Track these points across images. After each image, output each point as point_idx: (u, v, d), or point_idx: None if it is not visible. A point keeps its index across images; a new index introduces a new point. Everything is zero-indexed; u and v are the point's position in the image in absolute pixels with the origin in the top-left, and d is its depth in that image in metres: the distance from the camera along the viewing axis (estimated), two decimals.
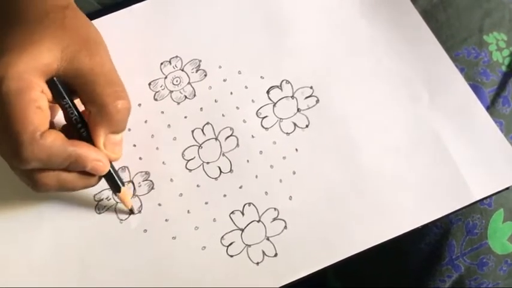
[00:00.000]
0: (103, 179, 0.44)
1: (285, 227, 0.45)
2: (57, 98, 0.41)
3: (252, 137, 0.48)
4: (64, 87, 0.41)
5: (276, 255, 0.44)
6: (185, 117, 0.49)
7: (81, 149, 0.40)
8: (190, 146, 0.48)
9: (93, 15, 0.51)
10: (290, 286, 0.44)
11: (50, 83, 0.41)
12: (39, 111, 0.39)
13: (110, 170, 0.43)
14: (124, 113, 0.42)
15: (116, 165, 0.47)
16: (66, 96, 0.41)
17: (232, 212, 0.46)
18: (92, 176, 0.42)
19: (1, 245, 0.45)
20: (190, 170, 0.47)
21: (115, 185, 0.44)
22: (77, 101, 0.43)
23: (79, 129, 0.42)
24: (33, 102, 0.39)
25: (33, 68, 0.39)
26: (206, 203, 0.46)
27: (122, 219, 0.46)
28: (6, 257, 0.45)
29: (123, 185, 0.45)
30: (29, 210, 0.46)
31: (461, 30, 0.53)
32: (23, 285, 0.44)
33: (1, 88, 0.38)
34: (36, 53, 0.39)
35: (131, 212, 0.46)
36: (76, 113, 0.42)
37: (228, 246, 0.45)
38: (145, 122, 0.49)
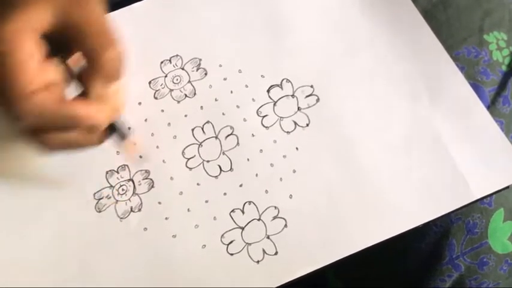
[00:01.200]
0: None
1: (285, 226, 0.45)
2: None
3: (252, 135, 0.48)
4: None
5: (276, 253, 0.44)
6: (185, 115, 0.49)
7: (75, 106, 0.40)
8: (191, 145, 0.48)
9: None
10: (290, 285, 0.44)
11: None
12: (30, 69, 0.38)
13: (113, 123, 0.42)
14: (116, 61, 0.41)
15: (116, 164, 0.47)
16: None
17: (233, 211, 0.46)
18: (94, 132, 0.42)
19: (1, 245, 0.45)
20: (190, 169, 0.47)
21: (120, 136, 0.44)
22: None
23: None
24: (25, 60, 0.38)
25: (25, 26, 0.38)
26: (206, 201, 0.46)
27: (121, 218, 0.46)
28: (6, 257, 0.45)
29: (127, 136, 0.44)
30: (29, 209, 0.46)
31: (461, 29, 0.53)
32: (23, 285, 0.44)
33: (1, 42, 0.38)
34: (27, 10, 0.39)
35: (139, 157, 0.46)
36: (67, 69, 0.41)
37: (228, 245, 0.45)
38: (146, 120, 0.49)
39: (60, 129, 0.40)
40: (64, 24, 0.40)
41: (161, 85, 0.50)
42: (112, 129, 0.43)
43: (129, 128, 0.48)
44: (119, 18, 0.52)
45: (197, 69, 0.51)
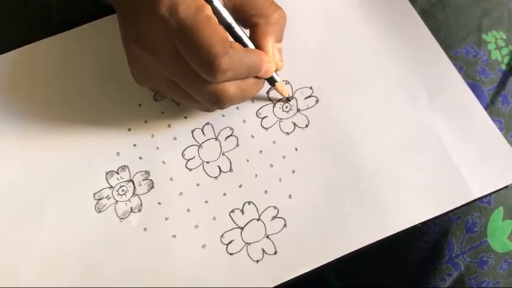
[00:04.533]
0: None
1: (285, 225, 0.45)
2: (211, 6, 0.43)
3: (252, 136, 0.48)
4: None
5: (275, 253, 0.44)
6: (185, 117, 0.49)
7: (258, 55, 0.44)
8: (190, 146, 0.48)
9: (94, 15, 0.52)
10: (290, 285, 0.44)
11: None
12: (219, 26, 0.41)
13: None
14: (284, 21, 0.46)
15: (117, 165, 0.47)
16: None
17: (232, 211, 0.46)
18: (261, 79, 0.46)
19: (1, 245, 0.45)
20: (190, 169, 0.47)
21: (272, 80, 0.47)
22: None
23: (238, 36, 0.44)
24: (212, 18, 0.41)
25: None
26: (206, 201, 0.46)
27: (121, 218, 0.46)
28: (6, 257, 0.45)
29: (277, 81, 0.48)
30: (29, 210, 0.46)
31: (459, 29, 0.53)
32: (23, 285, 0.44)
33: (178, 12, 0.40)
34: None
35: (287, 100, 0.50)
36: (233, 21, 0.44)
37: (227, 245, 0.45)
38: (146, 122, 0.49)
39: (240, 78, 0.44)
40: None
41: None
42: (269, 79, 0.47)
43: (129, 129, 0.49)
44: None
45: None
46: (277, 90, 0.48)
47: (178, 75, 0.43)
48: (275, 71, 0.46)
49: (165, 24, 0.40)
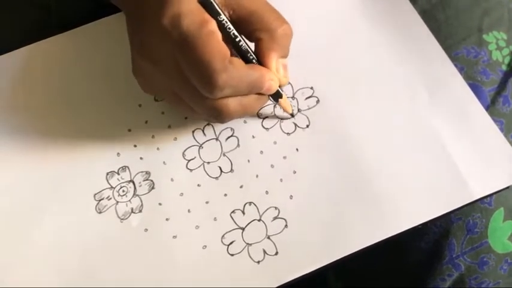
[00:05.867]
0: None
1: (286, 226, 0.45)
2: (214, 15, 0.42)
3: (253, 137, 0.48)
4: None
5: (276, 253, 0.44)
6: (186, 117, 0.49)
7: (260, 71, 0.43)
8: (191, 146, 0.48)
9: (94, 15, 0.52)
10: (291, 285, 0.44)
11: (203, 3, 0.41)
12: (221, 41, 0.41)
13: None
14: (290, 36, 0.45)
15: (117, 166, 0.47)
16: (221, 13, 0.42)
17: (233, 211, 0.46)
18: (264, 95, 0.45)
19: (1, 245, 0.45)
20: (191, 170, 0.47)
21: (276, 96, 0.47)
22: None
23: (243, 51, 0.44)
24: (214, 33, 0.40)
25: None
26: (207, 202, 0.46)
27: (122, 219, 0.46)
28: (6, 257, 0.45)
29: (282, 96, 0.47)
30: (29, 210, 0.46)
31: (460, 29, 0.53)
32: (23, 285, 0.44)
33: (180, 24, 0.39)
34: None
35: (292, 115, 0.49)
36: (238, 35, 0.43)
37: (228, 245, 0.45)
38: (146, 122, 0.49)
39: (240, 94, 0.43)
40: (236, 2, 0.43)
41: None
42: (273, 95, 0.46)
43: (130, 130, 0.49)
44: (119, 21, 0.52)
45: None
46: (280, 106, 0.48)
47: (179, 87, 0.42)
48: (279, 87, 0.46)
49: (167, 36, 0.40)
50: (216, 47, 0.40)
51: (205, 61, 0.39)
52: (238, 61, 0.42)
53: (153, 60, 0.42)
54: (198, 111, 0.43)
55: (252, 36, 0.44)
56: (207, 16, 0.40)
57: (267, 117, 0.49)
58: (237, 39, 0.43)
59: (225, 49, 0.40)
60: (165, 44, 0.40)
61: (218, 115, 0.43)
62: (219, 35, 0.41)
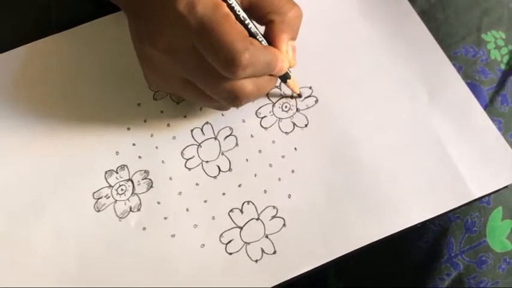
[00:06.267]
0: None
1: (284, 225, 0.45)
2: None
3: (251, 136, 0.48)
4: None
5: (274, 252, 0.44)
6: (184, 116, 0.49)
7: (274, 52, 0.44)
8: (190, 145, 0.48)
9: (93, 15, 0.52)
10: (290, 284, 0.44)
11: None
12: (237, 22, 0.41)
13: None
14: (300, 18, 0.45)
15: (116, 164, 0.47)
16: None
17: (231, 210, 0.46)
18: (274, 76, 0.46)
19: (0, 244, 0.45)
20: (189, 169, 0.47)
21: (285, 77, 0.47)
22: None
23: (253, 34, 0.43)
24: (230, 15, 0.41)
25: None
26: (205, 201, 0.46)
27: (121, 217, 0.46)
28: (6, 256, 0.45)
29: (289, 78, 0.47)
30: (28, 209, 0.46)
31: (459, 28, 0.53)
32: (22, 284, 0.44)
33: (196, 10, 0.40)
34: None
35: (299, 96, 0.50)
36: (247, 18, 0.43)
37: (227, 244, 0.45)
38: (145, 121, 0.49)
39: (256, 75, 0.43)
40: None
41: None
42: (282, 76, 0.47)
43: (129, 129, 0.49)
44: (118, 19, 0.52)
45: None
46: (288, 87, 0.48)
47: (196, 74, 0.42)
48: (288, 68, 0.46)
49: (182, 22, 0.40)
50: (234, 28, 0.40)
51: (227, 42, 0.39)
52: (256, 41, 0.42)
53: (167, 50, 0.42)
54: (215, 96, 0.43)
55: (263, 19, 0.44)
56: (219, 0, 0.41)
57: (265, 116, 0.49)
58: (246, 22, 0.43)
59: (243, 29, 0.41)
60: (182, 31, 0.40)
61: (235, 98, 0.43)
62: (233, 16, 0.41)
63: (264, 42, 0.44)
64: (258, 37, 0.44)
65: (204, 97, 0.44)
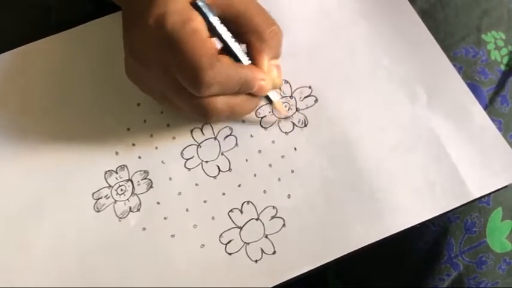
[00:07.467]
0: None
1: (284, 225, 0.45)
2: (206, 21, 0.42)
3: (251, 136, 0.48)
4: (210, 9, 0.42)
5: (274, 252, 0.44)
6: None
7: (250, 71, 0.43)
8: (189, 145, 0.48)
9: (93, 15, 0.52)
10: (289, 284, 0.44)
11: (194, 5, 0.42)
12: (207, 38, 0.41)
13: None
14: (279, 37, 0.44)
15: (116, 165, 0.47)
16: (211, 14, 0.42)
17: (231, 210, 0.46)
18: (256, 97, 0.45)
19: (0, 244, 0.46)
20: (189, 169, 0.47)
21: (268, 99, 0.47)
22: None
23: (234, 53, 0.43)
24: (199, 31, 0.40)
25: (189, 4, 0.41)
26: (205, 201, 0.46)
27: (120, 218, 0.46)
28: (6, 257, 0.45)
29: (275, 100, 0.47)
30: (28, 209, 0.46)
31: (459, 29, 0.53)
32: (22, 285, 0.44)
33: (166, 23, 0.40)
34: None
35: (286, 118, 0.49)
36: (228, 38, 0.43)
37: (226, 244, 0.45)
38: (145, 121, 0.49)
39: (229, 94, 0.43)
40: (224, 5, 0.43)
41: None
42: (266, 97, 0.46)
43: (128, 129, 0.49)
44: (117, 20, 0.52)
45: None
46: (275, 108, 0.48)
47: (168, 88, 0.42)
48: (274, 89, 0.46)
49: (153, 36, 0.40)
50: (200, 44, 0.40)
51: (190, 58, 0.39)
52: (226, 58, 0.42)
53: (141, 62, 0.42)
54: (186, 110, 0.44)
55: (242, 39, 0.44)
56: (192, 14, 0.41)
57: (265, 116, 0.49)
58: (227, 40, 0.43)
59: (211, 46, 0.40)
60: (152, 44, 0.41)
61: (205, 114, 0.43)
62: (203, 32, 0.41)
63: (245, 61, 0.44)
64: (239, 56, 0.43)
65: (180, 109, 0.44)
